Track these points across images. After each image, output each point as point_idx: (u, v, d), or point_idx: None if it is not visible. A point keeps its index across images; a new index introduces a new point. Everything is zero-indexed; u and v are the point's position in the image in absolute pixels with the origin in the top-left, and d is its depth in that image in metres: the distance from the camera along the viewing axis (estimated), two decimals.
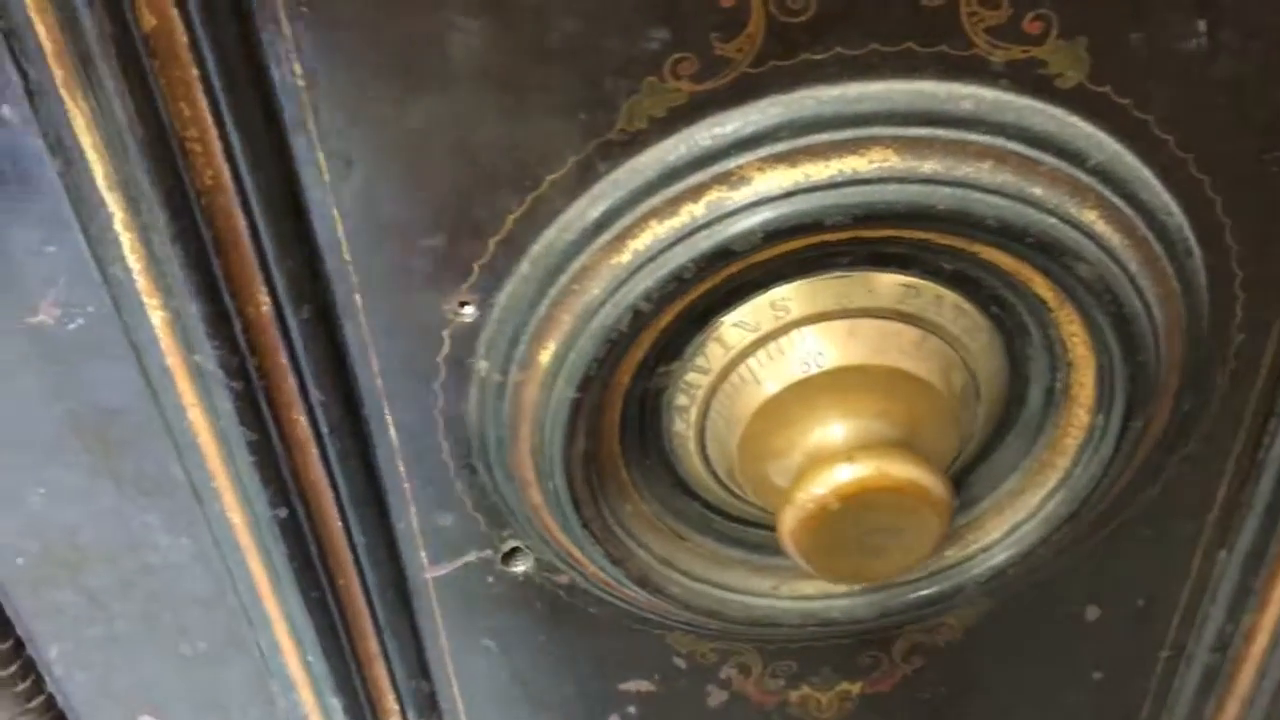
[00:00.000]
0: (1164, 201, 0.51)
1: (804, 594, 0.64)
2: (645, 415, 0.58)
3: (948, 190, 0.48)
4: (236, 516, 0.58)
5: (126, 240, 0.47)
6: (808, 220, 0.48)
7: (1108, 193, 0.50)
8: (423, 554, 0.62)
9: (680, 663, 0.71)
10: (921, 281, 0.53)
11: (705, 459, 0.58)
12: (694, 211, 0.48)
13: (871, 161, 0.47)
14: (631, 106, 0.46)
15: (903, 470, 0.52)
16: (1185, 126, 0.49)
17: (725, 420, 0.56)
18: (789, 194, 0.48)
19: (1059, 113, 0.48)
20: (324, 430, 0.55)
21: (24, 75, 0.43)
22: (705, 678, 0.72)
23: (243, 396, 0.51)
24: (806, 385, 0.53)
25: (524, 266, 0.51)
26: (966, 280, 0.54)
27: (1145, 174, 0.50)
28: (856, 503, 0.52)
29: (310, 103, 0.45)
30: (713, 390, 0.55)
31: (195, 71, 0.42)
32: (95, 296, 0.50)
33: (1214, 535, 0.67)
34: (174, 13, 0.41)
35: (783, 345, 0.53)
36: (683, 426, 0.57)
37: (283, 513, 0.56)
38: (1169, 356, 0.55)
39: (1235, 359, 0.58)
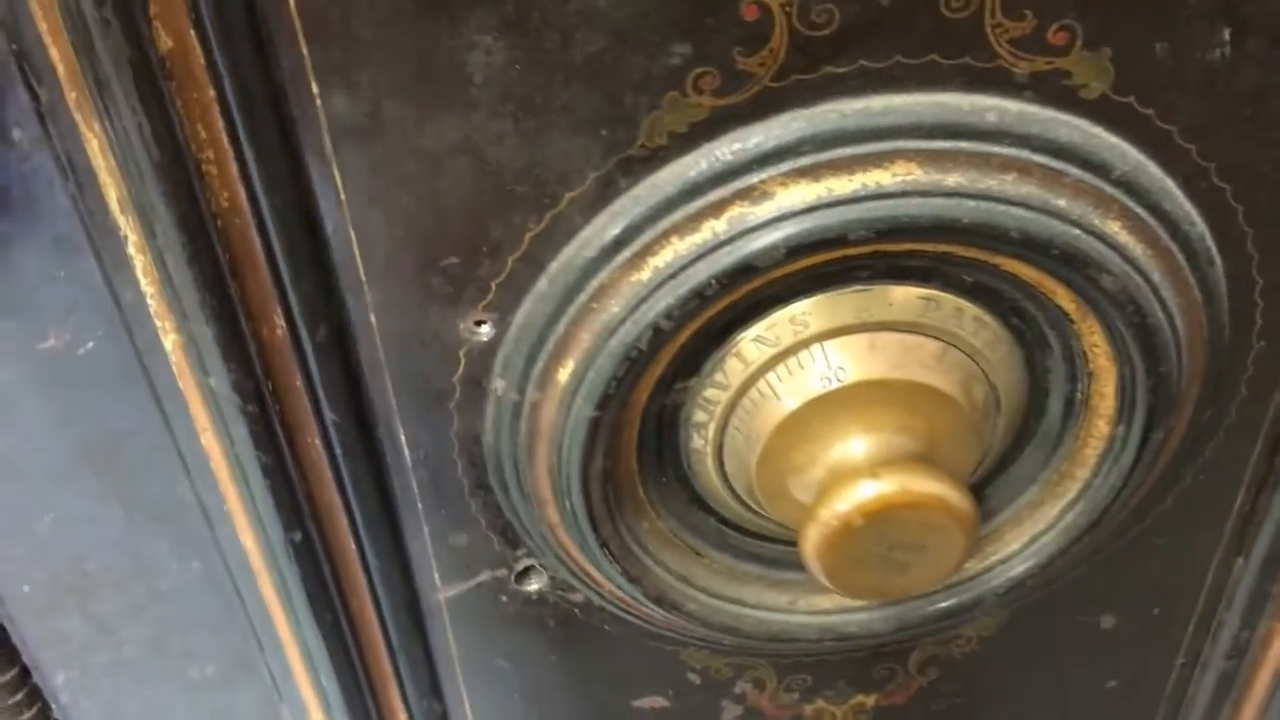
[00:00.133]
0: (1186, 211, 0.51)
1: (821, 609, 0.64)
2: (662, 432, 0.57)
3: (972, 203, 0.47)
4: (249, 540, 0.57)
5: (140, 263, 0.46)
6: (831, 235, 0.47)
7: (1131, 203, 0.49)
8: (436, 574, 0.62)
9: (695, 678, 0.70)
10: (942, 294, 0.53)
11: (723, 475, 0.58)
12: (716, 227, 0.48)
13: (895, 175, 0.47)
14: (653, 122, 0.46)
15: (927, 486, 0.51)
16: (1208, 136, 0.49)
17: (744, 436, 0.55)
18: (812, 209, 0.47)
19: (1083, 124, 0.48)
20: (338, 452, 0.54)
21: (35, 97, 0.42)
22: (720, 693, 0.71)
23: (257, 420, 0.51)
24: (827, 400, 0.53)
25: (542, 284, 0.50)
26: (987, 292, 0.53)
27: (1168, 184, 0.50)
28: (881, 519, 0.51)
29: (327, 123, 0.44)
30: (731, 406, 0.55)
31: (212, 93, 0.42)
32: (107, 321, 0.49)
33: (1231, 542, 0.67)
34: (191, 34, 0.40)
35: (802, 360, 0.53)
36: (700, 443, 0.57)
37: (297, 536, 0.55)
38: (1191, 366, 0.54)
39: (1254, 366, 0.58)
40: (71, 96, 0.41)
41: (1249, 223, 0.52)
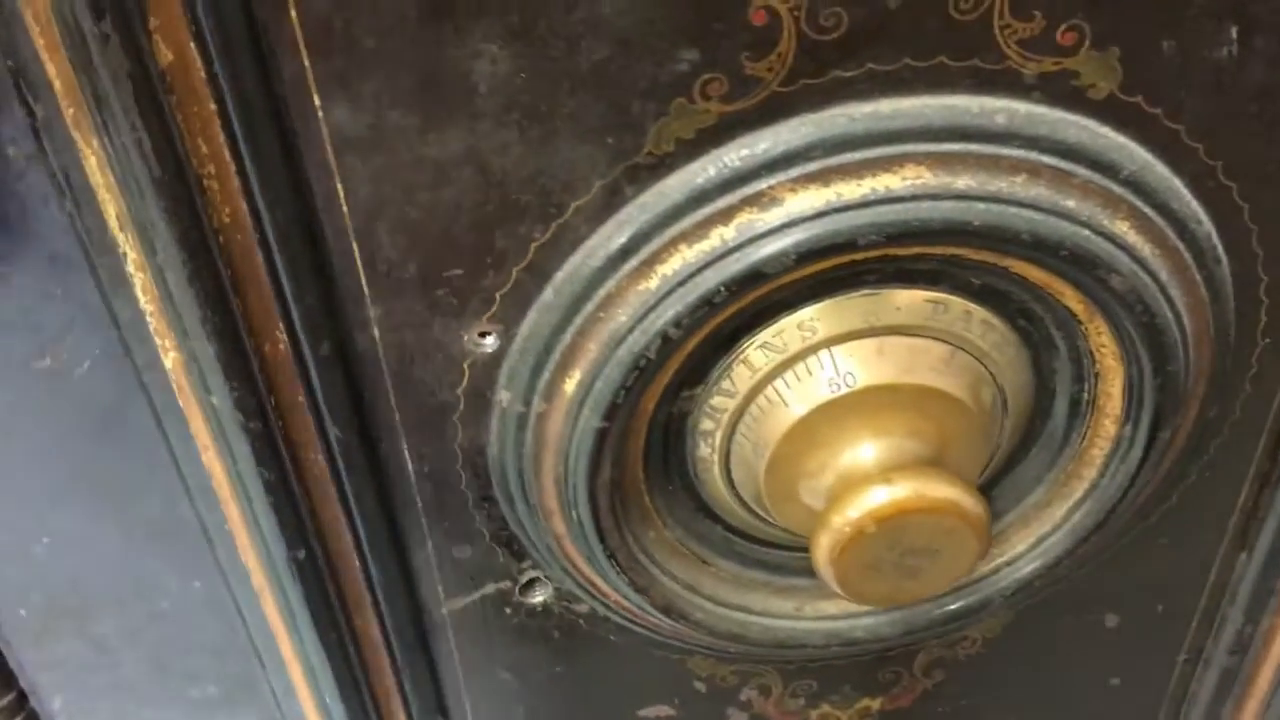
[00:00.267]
0: (1193, 210, 0.50)
1: (827, 614, 0.64)
2: (668, 440, 0.57)
3: (982, 206, 0.47)
4: (250, 559, 0.56)
5: (139, 281, 0.45)
6: (841, 240, 0.47)
7: (1139, 203, 0.49)
8: (440, 588, 0.61)
9: (700, 686, 0.69)
10: (950, 297, 0.52)
11: (730, 483, 0.57)
12: (724, 234, 0.47)
13: (905, 179, 0.47)
14: (660, 129, 0.45)
15: (940, 490, 0.51)
16: (1215, 134, 0.49)
17: (752, 444, 0.54)
18: (821, 214, 0.47)
19: (1091, 124, 0.47)
20: (341, 468, 0.53)
21: (30, 114, 0.41)
22: (725, 700, 0.70)
23: (260, 437, 0.50)
24: (836, 406, 0.52)
25: (548, 294, 0.50)
26: (994, 294, 0.53)
27: (1175, 183, 0.50)
28: (894, 525, 0.51)
29: (329, 135, 0.44)
30: (739, 414, 0.54)
31: (213, 106, 0.41)
32: (104, 339, 0.48)
33: (1234, 538, 0.67)
34: (191, 47, 0.39)
35: (810, 366, 0.52)
36: (707, 451, 0.56)
37: (300, 554, 0.54)
38: (1197, 365, 0.54)
39: (1258, 363, 0.58)
40: (69, 112, 0.40)
41: (1254, 220, 0.52)
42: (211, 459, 0.52)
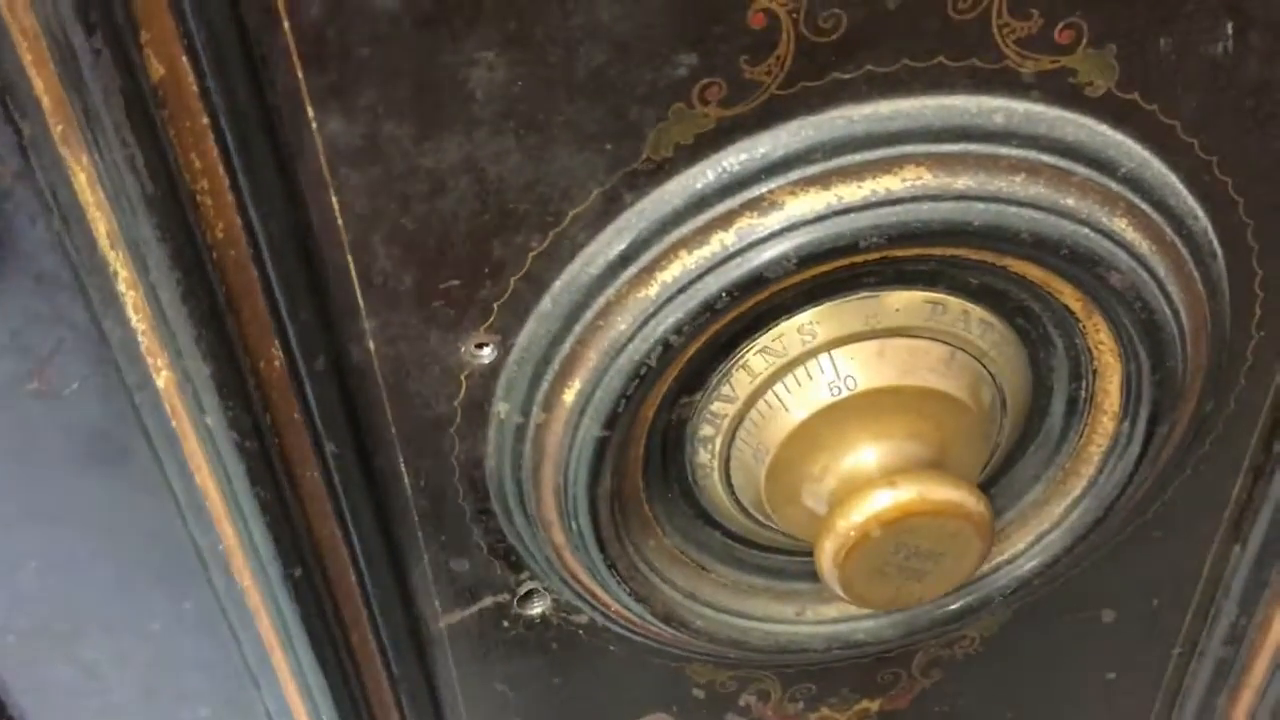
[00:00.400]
0: (1190, 206, 0.50)
1: (828, 618, 0.63)
2: (667, 447, 0.56)
3: (981, 206, 0.47)
4: (245, 578, 0.55)
5: (130, 299, 0.44)
6: (842, 243, 0.46)
7: (1137, 200, 0.49)
8: (437, 602, 0.60)
9: (699, 693, 0.69)
10: (948, 297, 0.52)
11: (730, 488, 0.57)
12: (725, 239, 0.47)
13: (905, 180, 0.46)
14: (658, 134, 0.45)
15: (944, 493, 0.51)
16: (1210, 129, 0.49)
17: (752, 449, 0.54)
18: (822, 217, 0.46)
19: (1089, 122, 0.47)
20: (338, 484, 0.52)
21: (17, 131, 0.40)
22: (724, 706, 0.70)
23: (255, 456, 0.49)
24: (837, 409, 0.52)
25: (546, 304, 0.49)
26: (992, 293, 0.53)
27: (1172, 179, 0.50)
28: (898, 528, 0.51)
29: (324, 146, 0.43)
30: (739, 419, 0.54)
31: (206, 120, 0.40)
32: (93, 360, 0.47)
33: (1228, 531, 0.67)
34: (184, 61, 0.38)
35: (810, 370, 0.52)
36: (707, 457, 0.56)
37: (297, 572, 0.53)
38: (1194, 360, 0.54)
39: (1253, 356, 0.58)
40: (57, 129, 0.39)
41: (1249, 215, 0.52)
42: (205, 479, 0.51)
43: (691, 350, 0.50)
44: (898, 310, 0.52)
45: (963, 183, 0.47)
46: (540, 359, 0.50)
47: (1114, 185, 0.48)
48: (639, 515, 0.57)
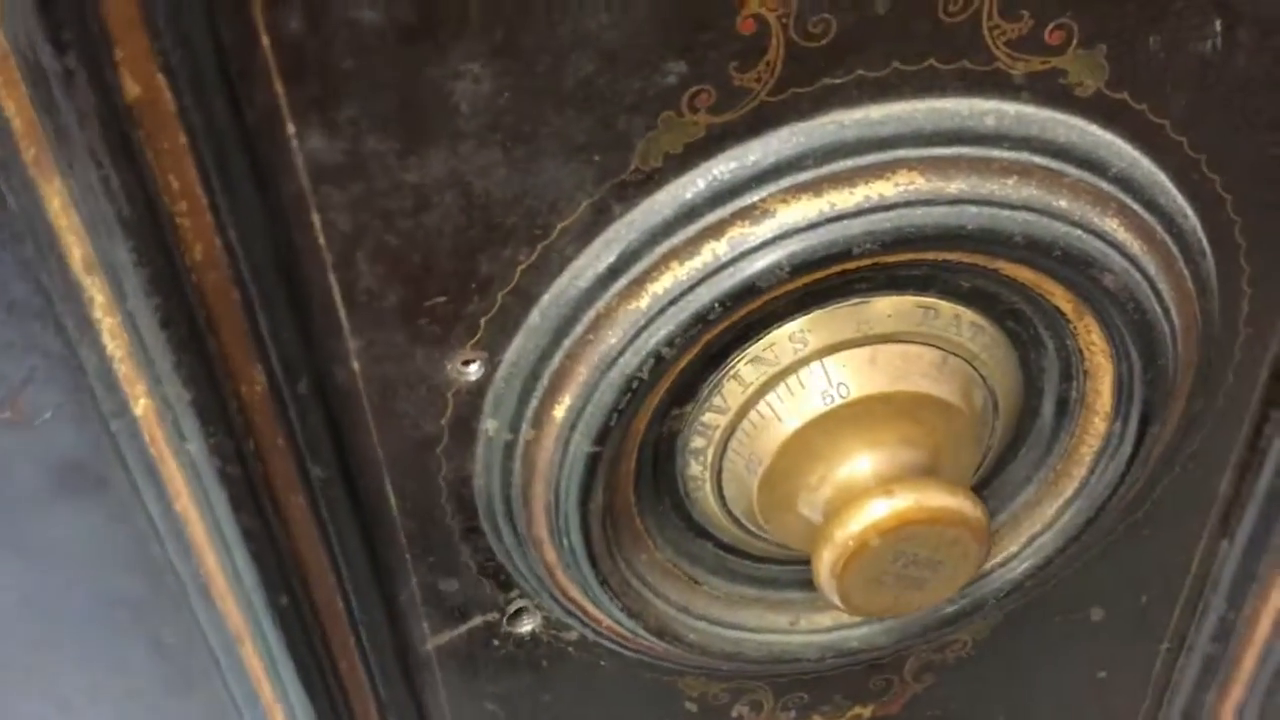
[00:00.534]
0: (1179, 205, 0.50)
1: (822, 626, 0.63)
2: (658, 460, 0.55)
3: (975, 210, 0.46)
4: (228, 605, 0.54)
5: (107, 325, 0.43)
6: (835, 250, 0.46)
7: (1128, 200, 0.49)
8: (425, 624, 0.59)
9: (692, 706, 0.68)
10: (940, 301, 0.52)
11: (722, 499, 0.56)
12: (716, 249, 0.46)
13: (897, 185, 0.46)
14: (647, 144, 0.44)
15: (941, 499, 0.50)
16: (1199, 127, 0.48)
17: (745, 460, 0.53)
18: (814, 225, 0.46)
19: (1079, 122, 0.47)
20: (323, 508, 0.51)
21: None
22: (717, 718, 0.69)
23: (238, 482, 0.47)
24: (830, 418, 0.51)
25: (534, 318, 0.48)
26: (983, 296, 0.52)
27: (1161, 178, 0.49)
28: (896, 536, 0.50)
29: (305, 163, 0.41)
30: (730, 430, 0.53)
31: (184, 140, 0.38)
32: (67, 388, 0.46)
33: (1216, 526, 0.67)
34: (160, 79, 0.37)
35: (803, 378, 0.51)
36: (699, 469, 0.55)
37: (283, 600, 0.52)
38: (1185, 358, 0.54)
39: (1241, 352, 0.58)
40: (29, 152, 0.38)
41: (1237, 212, 0.52)
42: (185, 505, 0.49)
43: (683, 362, 0.49)
44: (889, 316, 0.51)
45: (956, 187, 0.46)
46: (529, 375, 0.49)
47: (1105, 185, 0.48)
48: (630, 530, 0.56)
